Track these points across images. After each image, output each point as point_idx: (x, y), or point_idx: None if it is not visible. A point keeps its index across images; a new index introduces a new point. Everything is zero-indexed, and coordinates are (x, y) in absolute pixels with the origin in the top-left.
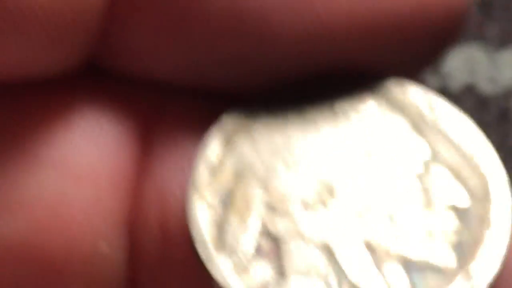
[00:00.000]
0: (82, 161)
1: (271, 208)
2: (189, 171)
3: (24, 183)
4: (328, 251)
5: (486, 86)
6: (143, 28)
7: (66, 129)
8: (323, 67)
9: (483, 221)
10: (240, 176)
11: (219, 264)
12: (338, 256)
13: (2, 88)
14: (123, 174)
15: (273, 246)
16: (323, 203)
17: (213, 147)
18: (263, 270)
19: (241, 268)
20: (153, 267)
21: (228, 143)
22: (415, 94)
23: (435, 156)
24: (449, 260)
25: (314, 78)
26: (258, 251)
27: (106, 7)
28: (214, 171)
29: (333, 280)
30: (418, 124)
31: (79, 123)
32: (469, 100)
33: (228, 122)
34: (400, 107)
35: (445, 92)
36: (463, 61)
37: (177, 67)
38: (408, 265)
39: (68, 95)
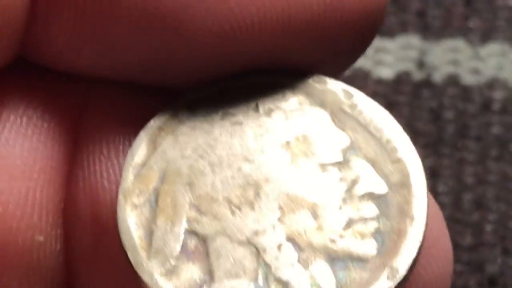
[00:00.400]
0: (14, 156)
1: (197, 208)
2: (118, 163)
3: None
4: (255, 249)
5: (469, 77)
6: (62, 24)
7: None
8: (243, 64)
9: (402, 210)
10: (166, 177)
11: (149, 268)
12: (264, 254)
13: None
14: (55, 167)
15: (200, 247)
16: (248, 202)
17: (139, 150)
18: (191, 271)
19: (170, 271)
20: (87, 255)
21: (154, 145)
22: (334, 88)
23: (354, 147)
24: (369, 248)
25: (236, 77)
26: (185, 252)
27: (28, 6)
28: (140, 173)
29: (260, 278)
30: (338, 116)
31: (9, 118)
32: (452, 90)
33: (153, 124)
34: (320, 102)
35: (429, 82)
36: (447, 53)
37: (99, 61)
38: (331, 257)
39: None
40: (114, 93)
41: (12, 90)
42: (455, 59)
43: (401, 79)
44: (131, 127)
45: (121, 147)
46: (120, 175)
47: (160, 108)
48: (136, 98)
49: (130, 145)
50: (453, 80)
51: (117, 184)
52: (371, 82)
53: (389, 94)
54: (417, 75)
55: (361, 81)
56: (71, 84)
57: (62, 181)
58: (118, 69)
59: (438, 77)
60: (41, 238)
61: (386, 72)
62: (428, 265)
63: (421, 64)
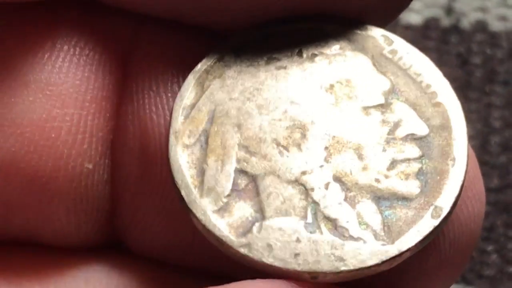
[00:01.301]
0: (67, 84)
1: (246, 149)
2: (166, 98)
3: (14, 105)
4: (303, 188)
5: (497, 23)
6: None
7: (51, 53)
8: (287, 9)
9: (444, 152)
10: (214, 119)
11: (201, 205)
12: (312, 192)
13: None
14: (106, 97)
15: (250, 186)
16: (295, 143)
17: (188, 92)
18: (243, 209)
19: (222, 208)
20: (133, 187)
21: (202, 87)
22: (375, 35)
23: (395, 90)
24: (413, 188)
25: (280, 22)
26: (236, 190)
27: None
28: (190, 115)
29: (309, 215)
30: (379, 61)
31: (63, 47)
32: (480, 36)
33: (200, 68)
34: (361, 47)
35: (457, 28)
36: (475, 0)
37: None
38: (377, 196)
39: (53, 21)
40: (163, 32)
41: (66, 21)
42: (483, 5)
43: (430, 25)
44: (179, 65)
45: (169, 83)
46: (169, 109)
47: (206, 49)
48: (183, 38)
49: (178, 81)
50: (481, 26)
51: (166, 118)
52: (400, 28)
53: (418, 40)
54: (445, 21)
55: (390, 27)
56: (121, 20)
57: (112, 112)
58: (167, 6)
59: (466, 23)
60: (90, 166)
61: (414, 18)
62: (464, 205)
63: (449, 10)
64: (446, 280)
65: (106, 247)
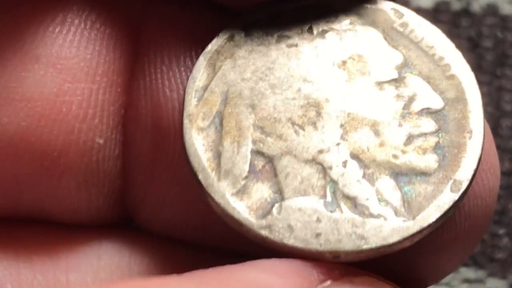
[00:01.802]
0: (78, 57)
1: (262, 129)
2: (179, 72)
3: (24, 79)
4: (321, 167)
5: (508, 7)
6: None
7: (62, 27)
8: None
9: (460, 124)
10: (228, 100)
11: (220, 189)
12: (330, 171)
13: None
14: (117, 72)
15: (267, 166)
16: (311, 122)
17: (199, 74)
18: (262, 190)
19: (240, 190)
20: (145, 163)
21: (214, 69)
22: (385, 8)
23: (408, 64)
24: (431, 162)
25: (288, 0)
26: (254, 172)
27: None
28: (203, 97)
29: (328, 194)
30: (390, 35)
31: (74, 21)
32: (491, 19)
33: (211, 49)
34: (371, 21)
35: (468, 12)
36: None
37: None
38: (395, 172)
39: None
40: (174, 6)
41: None
42: None
43: (440, 8)
44: (191, 39)
45: (182, 57)
46: (182, 84)
47: (217, 25)
48: (195, 12)
49: (190, 55)
50: (491, 10)
51: (179, 93)
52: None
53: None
54: (456, 5)
55: None
56: None
57: (124, 86)
58: None
59: (476, 6)
60: (101, 141)
61: (425, 2)
62: (480, 179)
63: None
64: (460, 254)
65: (118, 225)
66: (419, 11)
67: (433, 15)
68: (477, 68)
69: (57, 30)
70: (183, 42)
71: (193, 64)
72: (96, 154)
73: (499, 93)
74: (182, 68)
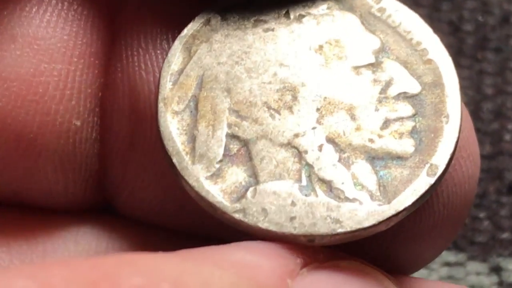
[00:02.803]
0: (55, 38)
1: (237, 113)
2: (155, 55)
3: (1, 60)
4: (296, 151)
5: None
6: None
7: (39, 7)
8: None
9: (437, 109)
10: (203, 84)
11: (194, 172)
12: (305, 155)
13: None
14: (94, 54)
15: (243, 150)
16: (286, 106)
17: (175, 58)
18: (236, 174)
19: (215, 174)
20: (122, 146)
21: (189, 53)
22: None
23: (385, 49)
24: (407, 147)
25: None
26: (229, 155)
27: None
28: (178, 81)
29: (304, 178)
30: (367, 20)
31: (51, 2)
32: (472, 3)
33: (187, 33)
34: (349, 6)
35: None
36: None
37: None
38: (371, 156)
39: None
40: None
41: None
42: None
43: None
44: (168, 23)
45: (158, 40)
46: (158, 67)
47: (193, 9)
48: None
49: (167, 38)
50: None
51: (155, 76)
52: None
53: (409, 7)
54: None
55: None
56: None
57: (101, 68)
58: None
59: None
60: (78, 123)
61: None
62: (459, 166)
63: None
64: (440, 243)
65: (95, 209)
66: None
67: None
68: (458, 51)
69: (34, 10)
70: (160, 25)
71: (170, 47)
72: (73, 136)
73: (480, 76)
74: (159, 51)
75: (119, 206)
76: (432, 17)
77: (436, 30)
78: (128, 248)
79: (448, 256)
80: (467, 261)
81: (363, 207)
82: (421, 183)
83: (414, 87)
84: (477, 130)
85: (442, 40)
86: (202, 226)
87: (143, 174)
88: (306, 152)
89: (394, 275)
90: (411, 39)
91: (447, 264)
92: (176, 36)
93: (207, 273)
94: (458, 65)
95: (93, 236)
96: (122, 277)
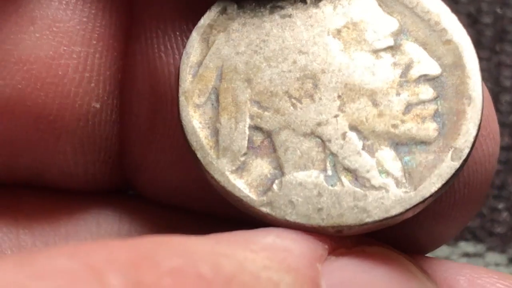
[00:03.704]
0: (74, 21)
1: (259, 104)
2: (174, 37)
3: (20, 42)
4: (320, 140)
5: None
6: None
7: None
8: None
9: (458, 91)
10: (223, 75)
11: (219, 167)
12: (329, 144)
13: None
14: (114, 36)
15: (266, 142)
16: (308, 94)
17: (193, 50)
18: (261, 166)
19: (240, 167)
20: (143, 128)
21: (207, 43)
22: None
23: (403, 30)
24: (431, 131)
25: None
26: (253, 148)
27: None
28: (198, 73)
29: (328, 168)
30: (384, 1)
31: None
32: None
33: (204, 23)
34: None
35: None
36: None
37: None
38: (395, 142)
39: None
40: None
41: None
42: None
43: None
44: (185, 5)
45: (177, 21)
46: (177, 48)
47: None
48: None
49: (186, 20)
50: None
51: (175, 57)
52: None
53: None
54: None
55: None
56: None
57: (120, 51)
58: None
59: None
60: (97, 105)
61: None
62: (479, 144)
63: None
64: (460, 221)
65: (116, 191)
66: None
67: None
68: (477, 44)
69: None
70: (179, 6)
71: (189, 28)
72: (92, 119)
73: (499, 68)
74: (178, 32)
75: (140, 188)
76: (451, 9)
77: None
78: (150, 230)
79: (467, 247)
80: (486, 252)
81: (389, 195)
82: (446, 168)
83: (434, 69)
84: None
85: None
86: (223, 207)
87: (163, 156)
88: (329, 141)
89: (415, 256)
90: (429, 19)
91: (466, 255)
92: (195, 17)
93: (241, 256)
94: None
95: (115, 218)
96: (161, 257)
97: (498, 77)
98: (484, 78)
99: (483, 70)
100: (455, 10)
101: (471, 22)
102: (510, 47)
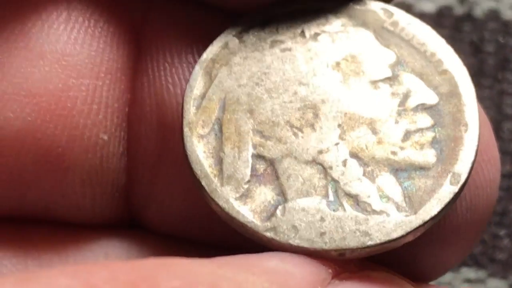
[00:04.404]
0: (83, 54)
1: (261, 133)
2: (181, 68)
3: (30, 75)
4: (321, 167)
5: (509, 12)
6: None
7: (67, 25)
8: None
9: (455, 118)
10: (226, 106)
11: (223, 194)
12: (331, 171)
13: None
14: (121, 69)
15: (269, 170)
16: (309, 123)
17: (196, 83)
18: (265, 193)
19: (244, 195)
20: (150, 161)
21: (210, 76)
22: (374, 8)
23: (400, 62)
24: (429, 157)
25: (279, 5)
26: (256, 175)
27: None
28: (201, 105)
29: (330, 194)
30: (381, 34)
31: (78, 20)
32: (493, 24)
33: (206, 57)
34: (362, 22)
35: (470, 17)
36: None
37: None
38: (395, 168)
39: None
40: (174, 4)
41: None
42: None
43: (443, 13)
44: (192, 36)
45: (183, 53)
46: (185, 80)
47: (216, 23)
48: (194, 10)
49: (192, 52)
50: (493, 15)
51: (182, 88)
52: (413, 16)
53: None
54: (459, 10)
55: None
56: None
57: (127, 83)
58: None
59: (479, 11)
60: (105, 137)
61: (428, 6)
62: (480, 169)
63: None
64: (463, 247)
65: (122, 224)
66: (423, 15)
67: (436, 19)
68: (479, 72)
69: (62, 27)
70: (185, 39)
71: (195, 60)
72: (100, 151)
73: (501, 97)
74: (184, 65)
75: (147, 220)
76: (454, 38)
77: (457, 50)
78: None
79: (468, 273)
80: (488, 278)
81: (390, 219)
82: (445, 192)
83: (431, 98)
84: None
85: (463, 60)
86: (231, 239)
87: (170, 188)
88: (331, 168)
89: (418, 283)
90: (425, 51)
91: (468, 280)
92: (201, 49)
93: (241, 279)
94: (478, 85)
95: (123, 250)
96: (160, 279)
97: (500, 105)
98: (486, 106)
99: (485, 98)
100: (458, 39)
101: (474, 51)
102: None
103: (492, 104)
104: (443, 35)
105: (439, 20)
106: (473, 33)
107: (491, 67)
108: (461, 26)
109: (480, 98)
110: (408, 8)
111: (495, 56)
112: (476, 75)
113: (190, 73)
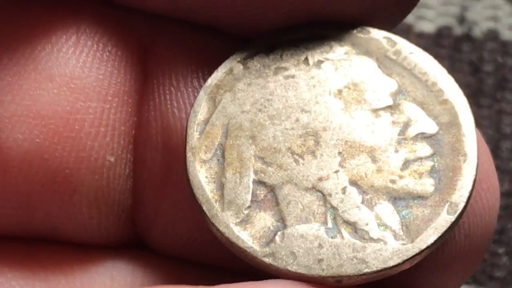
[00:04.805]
0: (91, 78)
1: (262, 160)
2: (187, 93)
3: (38, 98)
4: (321, 194)
5: (508, 33)
6: None
7: (75, 48)
8: (294, 15)
9: (454, 148)
10: (229, 132)
11: (224, 219)
12: (330, 198)
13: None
14: (128, 92)
15: (269, 196)
16: (310, 151)
17: (200, 108)
18: (264, 219)
19: (244, 220)
20: (155, 182)
21: (214, 102)
22: (377, 37)
23: (402, 91)
24: (427, 186)
25: (283, 32)
26: (256, 201)
27: None
28: (205, 130)
29: (329, 221)
30: (384, 63)
31: (87, 44)
32: (492, 45)
33: (211, 83)
34: (365, 50)
35: (469, 37)
36: (487, 9)
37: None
38: (393, 197)
39: (77, 18)
40: (181, 29)
41: (88, 19)
42: (495, 15)
43: (442, 33)
44: (198, 61)
45: (189, 78)
46: (190, 104)
47: (222, 48)
48: (200, 35)
49: (197, 77)
50: (492, 35)
51: (187, 113)
52: (413, 36)
53: (430, 48)
54: (458, 30)
55: (403, 35)
56: (140, 19)
57: (134, 107)
58: (180, 7)
59: (478, 31)
60: (112, 159)
61: (427, 26)
62: (479, 198)
63: (461, 19)
64: (462, 274)
65: (128, 245)
66: (422, 35)
67: (436, 40)
68: (478, 91)
69: (70, 51)
70: (191, 64)
71: (200, 85)
72: (107, 172)
73: (499, 116)
74: (190, 89)
75: (152, 241)
76: (453, 58)
77: (457, 70)
78: (162, 282)
79: None
80: None
81: (387, 247)
82: (442, 221)
83: (431, 128)
84: (496, 168)
85: (462, 80)
86: (234, 262)
87: (175, 210)
88: (330, 195)
89: None
90: (427, 80)
91: None
92: (207, 74)
93: None
94: (477, 105)
95: (128, 271)
96: None
97: (498, 124)
98: (485, 126)
99: (484, 117)
100: (457, 59)
101: (473, 71)
102: (510, 95)
103: (490, 123)
104: (442, 55)
105: (438, 40)
106: (472, 53)
107: (490, 87)
108: (460, 46)
109: (479, 118)
110: (408, 28)
111: (494, 76)
112: (475, 95)
113: (195, 97)
